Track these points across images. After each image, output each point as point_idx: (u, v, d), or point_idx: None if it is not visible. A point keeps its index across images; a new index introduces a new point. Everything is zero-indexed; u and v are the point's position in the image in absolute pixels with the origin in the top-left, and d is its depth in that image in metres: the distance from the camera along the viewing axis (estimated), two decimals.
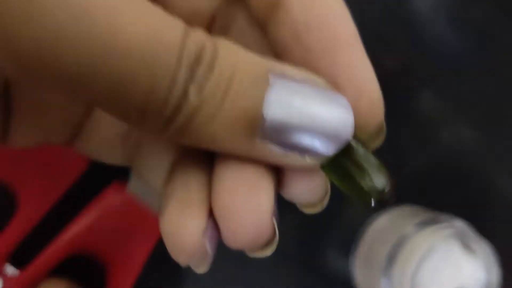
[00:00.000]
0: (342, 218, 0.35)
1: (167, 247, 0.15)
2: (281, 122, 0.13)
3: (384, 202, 0.15)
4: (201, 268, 0.15)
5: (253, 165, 0.14)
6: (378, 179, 0.14)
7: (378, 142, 0.15)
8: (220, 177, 0.14)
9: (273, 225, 0.15)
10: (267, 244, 0.15)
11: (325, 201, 0.16)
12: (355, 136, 0.14)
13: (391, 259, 0.28)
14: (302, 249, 0.35)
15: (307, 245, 0.35)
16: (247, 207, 0.14)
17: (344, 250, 0.34)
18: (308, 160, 0.14)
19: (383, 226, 0.32)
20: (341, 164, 0.14)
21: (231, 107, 0.13)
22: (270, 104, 0.13)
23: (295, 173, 0.15)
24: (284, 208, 0.16)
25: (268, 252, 0.15)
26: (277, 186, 0.15)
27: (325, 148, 0.13)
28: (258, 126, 0.13)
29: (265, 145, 0.13)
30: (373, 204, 0.15)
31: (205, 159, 0.15)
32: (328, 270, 0.35)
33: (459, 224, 0.30)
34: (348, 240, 0.34)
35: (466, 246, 0.29)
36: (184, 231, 0.14)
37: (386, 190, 0.14)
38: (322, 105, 0.13)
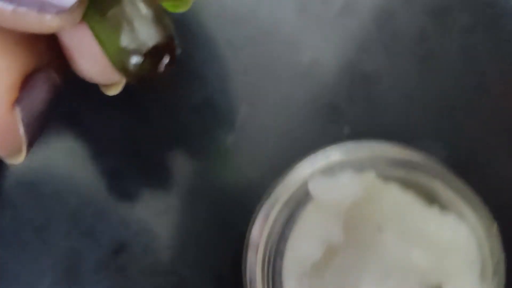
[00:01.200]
0: None
1: None
2: None
3: (151, 70, 0.11)
4: None
5: None
6: (143, 35, 0.11)
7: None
8: None
9: (15, 119, 0.12)
10: (11, 146, 0.12)
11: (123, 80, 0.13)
12: None
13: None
14: None
15: None
16: None
17: None
18: (49, 19, 0.11)
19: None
20: (101, 17, 0.11)
21: None
22: None
23: (71, 45, 0.12)
24: None
25: (17, 159, 0.13)
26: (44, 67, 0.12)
27: None
28: None
29: None
30: (130, 67, 0.11)
31: None
32: None
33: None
34: None
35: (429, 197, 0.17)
36: None
37: (151, 52, 0.11)
38: None
